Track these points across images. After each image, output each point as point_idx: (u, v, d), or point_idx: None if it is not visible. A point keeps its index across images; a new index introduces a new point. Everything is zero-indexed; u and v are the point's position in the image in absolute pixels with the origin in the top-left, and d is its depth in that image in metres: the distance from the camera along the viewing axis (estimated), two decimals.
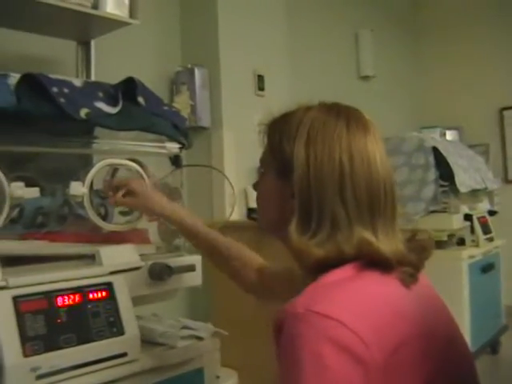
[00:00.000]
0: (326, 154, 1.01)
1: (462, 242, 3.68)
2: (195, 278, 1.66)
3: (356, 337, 0.87)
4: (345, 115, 1.07)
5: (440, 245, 3.41)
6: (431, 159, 3.42)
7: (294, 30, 3.35)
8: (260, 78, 2.94)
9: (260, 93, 2.94)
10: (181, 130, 1.71)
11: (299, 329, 0.90)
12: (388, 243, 1.01)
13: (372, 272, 0.99)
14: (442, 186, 3.43)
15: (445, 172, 3.42)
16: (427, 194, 3.42)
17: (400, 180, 3.54)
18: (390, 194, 1.05)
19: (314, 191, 1.01)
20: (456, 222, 3.52)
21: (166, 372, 1.49)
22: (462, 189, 3.45)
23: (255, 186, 1.23)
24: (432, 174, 3.41)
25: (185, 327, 1.61)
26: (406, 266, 1.01)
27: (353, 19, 4.13)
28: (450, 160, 3.43)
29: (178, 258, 1.60)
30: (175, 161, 1.74)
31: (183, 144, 1.73)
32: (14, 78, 1.44)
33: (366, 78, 4.22)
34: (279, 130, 1.10)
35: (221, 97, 2.77)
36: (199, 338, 1.59)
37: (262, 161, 1.17)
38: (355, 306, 0.93)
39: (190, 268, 1.61)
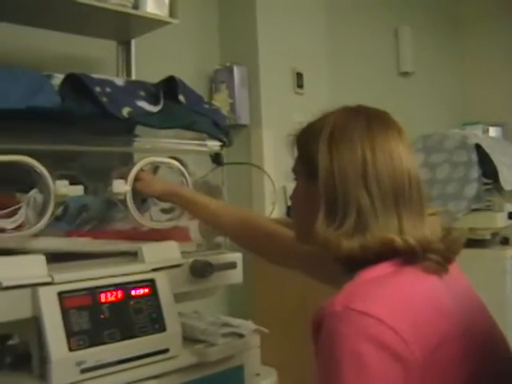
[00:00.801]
0: (348, 148, 1.04)
1: (505, 241, 3.59)
2: (236, 276, 1.67)
3: (395, 334, 0.88)
4: (366, 114, 1.09)
5: (483, 244, 3.35)
6: (474, 156, 3.36)
7: (333, 27, 3.33)
8: (299, 76, 2.92)
9: (299, 90, 2.92)
10: (221, 128, 1.72)
11: (338, 327, 0.90)
12: (414, 231, 1.02)
13: (410, 268, 0.99)
14: (485, 183, 3.37)
15: (488, 169, 3.35)
16: (470, 192, 3.36)
17: (441, 178, 3.49)
18: (415, 182, 1.06)
19: (338, 184, 1.03)
20: (500, 221, 3.45)
21: (206, 369, 1.50)
22: (507, 186, 3.38)
23: (290, 197, 1.24)
24: (475, 171, 3.35)
25: (225, 324, 1.61)
26: (433, 254, 1.01)
27: (392, 15, 4.08)
28: (494, 157, 3.36)
29: (219, 256, 1.61)
30: (216, 159, 1.75)
31: (224, 142, 1.74)
32: (57, 79, 1.46)
33: (405, 74, 4.16)
34: (305, 136, 1.13)
35: (260, 95, 2.77)
36: (240, 336, 1.60)
37: (294, 168, 1.19)
38: (394, 304, 0.93)
39: (231, 265, 1.61)
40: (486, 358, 0.98)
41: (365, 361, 0.87)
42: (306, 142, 1.11)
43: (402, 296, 0.95)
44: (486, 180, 3.37)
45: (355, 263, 1.02)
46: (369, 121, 1.07)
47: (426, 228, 1.05)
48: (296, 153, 1.17)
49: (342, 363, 0.88)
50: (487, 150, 3.37)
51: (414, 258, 1.00)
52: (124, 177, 1.53)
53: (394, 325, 0.88)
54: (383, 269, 0.99)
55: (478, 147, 3.38)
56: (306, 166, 1.11)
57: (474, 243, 3.20)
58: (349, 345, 0.88)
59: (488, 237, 3.42)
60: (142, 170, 1.57)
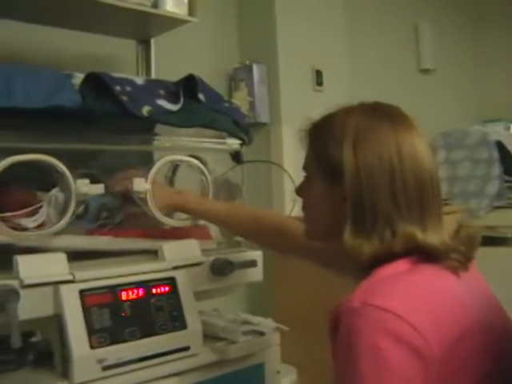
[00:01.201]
0: (376, 155, 1.02)
1: None
2: (256, 274, 1.67)
3: (413, 329, 0.88)
4: (388, 114, 1.07)
5: (505, 242, 3.32)
6: (495, 154, 3.33)
7: (352, 24, 3.31)
8: (318, 74, 2.91)
9: (318, 88, 2.91)
10: (241, 126, 1.72)
11: (357, 323, 0.90)
12: (436, 235, 1.02)
13: (427, 265, 1.00)
14: (507, 181, 3.34)
15: (510, 167, 3.32)
16: (491, 190, 3.33)
17: (463, 175, 3.47)
18: (437, 186, 1.06)
19: (366, 193, 1.01)
20: None
21: (227, 366, 1.51)
22: None
23: (298, 192, 1.23)
24: (496, 168, 3.32)
25: (246, 322, 1.61)
26: (454, 253, 1.01)
27: (412, 11, 4.04)
28: None
29: (239, 254, 1.60)
30: (236, 157, 1.75)
31: (244, 140, 1.74)
32: (78, 78, 1.47)
33: (426, 71, 4.13)
34: (323, 135, 1.10)
35: (279, 92, 2.76)
36: (260, 334, 1.60)
37: (306, 167, 1.17)
38: (412, 299, 0.93)
39: (252, 263, 1.61)
40: (503, 354, 0.98)
41: (384, 355, 0.87)
42: (326, 142, 1.09)
43: (419, 292, 0.95)
44: (507, 177, 3.34)
45: (373, 264, 1.02)
46: (391, 121, 1.06)
47: (444, 231, 1.05)
48: (309, 150, 1.16)
49: (361, 358, 0.88)
50: (509, 147, 3.34)
51: (433, 257, 1.00)
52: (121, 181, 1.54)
53: (412, 320, 0.88)
54: (400, 266, 1.00)
55: (500, 144, 3.35)
56: (324, 167, 1.09)
57: (496, 241, 3.17)
58: (367, 340, 0.88)
59: (510, 235, 3.38)
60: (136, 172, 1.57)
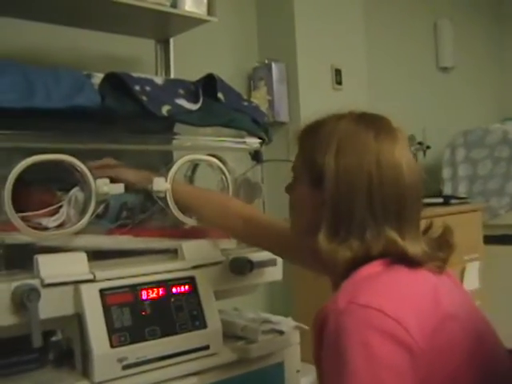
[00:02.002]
0: (355, 164, 1.05)
1: None
2: (276, 273, 1.66)
3: (397, 324, 0.92)
4: (374, 125, 1.10)
5: None
6: None
7: (371, 22, 3.30)
8: (337, 72, 2.90)
9: (337, 87, 2.90)
10: (261, 125, 1.72)
11: (343, 322, 0.94)
12: (414, 245, 1.05)
13: (400, 266, 1.03)
14: None
15: None
16: None
17: (483, 174, 3.45)
18: (417, 201, 1.09)
19: (343, 201, 1.05)
20: None
21: (246, 365, 1.51)
22: None
23: (286, 189, 1.26)
24: None
25: (266, 321, 1.61)
26: (434, 261, 1.06)
27: (431, 8, 4.01)
28: None
29: (258, 253, 1.60)
30: (255, 156, 1.75)
31: (263, 139, 1.74)
32: (97, 78, 1.47)
33: (445, 69, 4.10)
34: (311, 140, 1.14)
35: (298, 92, 2.75)
36: (280, 333, 1.60)
37: (294, 168, 1.21)
38: (394, 294, 0.98)
39: (271, 263, 1.61)
40: (482, 337, 1.03)
41: (372, 351, 0.90)
42: (312, 147, 1.12)
43: (398, 287, 1.00)
44: None
45: (350, 267, 1.05)
46: (377, 132, 1.08)
47: (421, 240, 1.08)
48: (298, 152, 1.19)
49: (350, 355, 0.91)
50: None
51: (410, 263, 1.04)
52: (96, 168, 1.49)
53: (395, 315, 0.92)
54: (375, 267, 1.03)
55: None
56: (309, 171, 1.13)
57: None
58: (355, 337, 0.92)
59: None
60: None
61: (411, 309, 0.95)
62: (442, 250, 1.09)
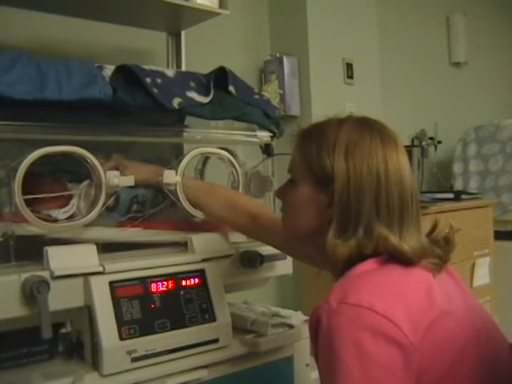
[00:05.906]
0: (365, 166, 1.08)
1: None
2: (286, 267, 1.66)
3: (388, 321, 0.93)
4: (377, 130, 1.13)
5: None
6: None
7: (384, 16, 3.28)
8: (349, 66, 2.89)
9: (349, 81, 2.89)
10: (272, 119, 1.71)
11: (335, 322, 0.96)
12: (412, 241, 1.07)
13: (394, 264, 1.05)
14: None
15: None
16: None
17: (494, 169, 3.43)
18: (416, 200, 1.12)
19: (353, 201, 1.07)
20: None
21: (256, 359, 1.51)
22: None
23: (278, 194, 1.28)
24: None
25: (275, 315, 1.61)
26: (431, 258, 1.07)
27: (444, 3, 3.99)
28: None
29: (268, 247, 1.60)
30: (266, 149, 1.74)
31: (274, 132, 1.73)
32: (108, 70, 1.47)
33: (457, 64, 4.07)
34: (315, 143, 1.14)
35: (310, 85, 2.74)
36: (290, 326, 1.59)
37: (293, 170, 1.21)
38: (384, 292, 0.99)
39: (281, 256, 1.61)
40: (481, 333, 1.03)
41: (365, 350, 0.92)
42: (318, 150, 1.12)
43: (390, 285, 1.01)
44: None
45: (347, 266, 1.07)
46: (381, 137, 1.11)
47: (422, 235, 1.12)
48: (298, 155, 1.19)
49: (344, 355, 0.93)
50: None
51: (403, 262, 1.05)
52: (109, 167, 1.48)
53: (386, 313, 0.94)
54: (368, 265, 1.05)
55: None
56: (315, 173, 1.13)
57: None
58: (348, 336, 0.93)
59: None
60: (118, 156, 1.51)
61: (403, 306, 0.96)
62: (441, 247, 1.11)
